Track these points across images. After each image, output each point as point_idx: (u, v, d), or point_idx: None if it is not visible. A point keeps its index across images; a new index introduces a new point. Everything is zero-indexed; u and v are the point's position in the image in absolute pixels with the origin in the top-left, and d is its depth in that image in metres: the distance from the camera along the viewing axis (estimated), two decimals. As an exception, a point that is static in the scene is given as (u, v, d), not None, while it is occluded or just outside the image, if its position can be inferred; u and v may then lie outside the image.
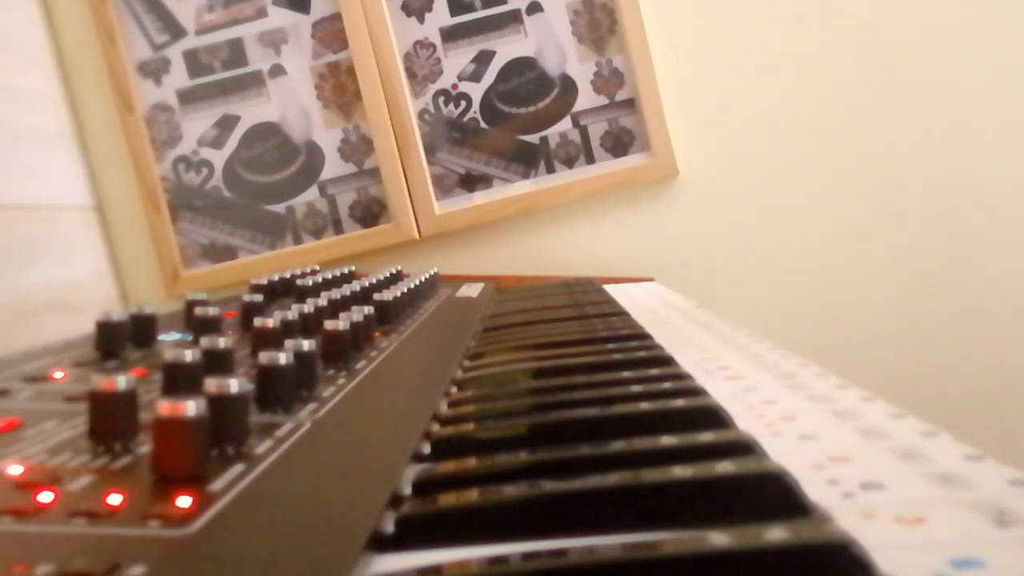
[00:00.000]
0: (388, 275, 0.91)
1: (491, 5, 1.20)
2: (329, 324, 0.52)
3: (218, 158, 1.23)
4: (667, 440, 0.33)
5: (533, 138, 1.21)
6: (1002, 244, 1.17)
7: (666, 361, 0.49)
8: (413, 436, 0.36)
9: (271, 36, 1.22)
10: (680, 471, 0.29)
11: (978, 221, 1.17)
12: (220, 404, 0.32)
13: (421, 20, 1.21)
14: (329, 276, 0.91)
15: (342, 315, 0.55)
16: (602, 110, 1.20)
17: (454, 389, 0.49)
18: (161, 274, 1.23)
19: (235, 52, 1.23)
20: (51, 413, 0.39)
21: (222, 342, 0.44)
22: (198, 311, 0.60)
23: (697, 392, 0.41)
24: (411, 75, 1.21)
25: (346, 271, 0.98)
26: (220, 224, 1.24)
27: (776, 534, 0.24)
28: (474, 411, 0.43)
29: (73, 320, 1.02)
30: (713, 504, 0.28)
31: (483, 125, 1.21)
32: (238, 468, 0.31)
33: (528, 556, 0.25)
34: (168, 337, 0.60)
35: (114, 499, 0.27)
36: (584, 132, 1.20)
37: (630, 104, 1.19)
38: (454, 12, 1.21)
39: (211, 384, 0.33)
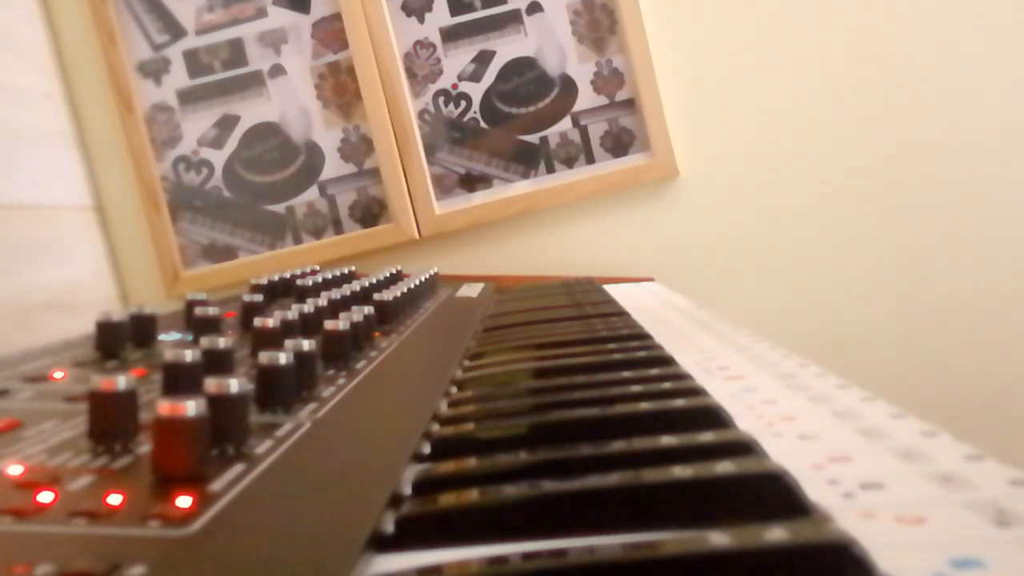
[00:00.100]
0: (388, 275, 0.91)
1: (491, 5, 1.20)
2: (329, 324, 0.52)
3: (218, 158, 1.23)
4: (667, 440, 0.33)
5: (533, 138, 1.21)
6: (1002, 244, 1.17)
7: (666, 361, 0.49)
8: (413, 436, 0.36)
9: (271, 36, 1.22)
10: (680, 471, 0.29)
11: (978, 221, 1.17)
12: (220, 404, 0.32)
13: (421, 20, 1.21)
14: (329, 276, 0.91)
15: (342, 315, 0.55)
16: (602, 110, 1.20)
17: (454, 389, 0.49)
18: (161, 274, 1.23)
19: (235, 52, 1.23)
20: (51, 413, 0.39)
21: (222, 342, 0.44)
22: (198, 311, 0.60)
23: (697, 392, 0.41)
24: (411, 75, 1.21)
25: (346, 271, 0.98)
26: (220, 224, 1.24)
27: (776, 534, 0.24)
28: (474, 411, 0.43)
29: (73, 320, 1.02)
30: (713, 504, 0.28)
31: (483, 125, 1.21)
32: (238, 468, 0.31)
33: (528, 556, 0.25)
34: (168, 337, 0.60)
35: (114, 499, 0.27)
36: (584, 132, 1.20)
37: (630, 104, 1.19)
38: (454, 12, 1.21)
39: (211, 384, 0.33)
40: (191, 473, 0.29)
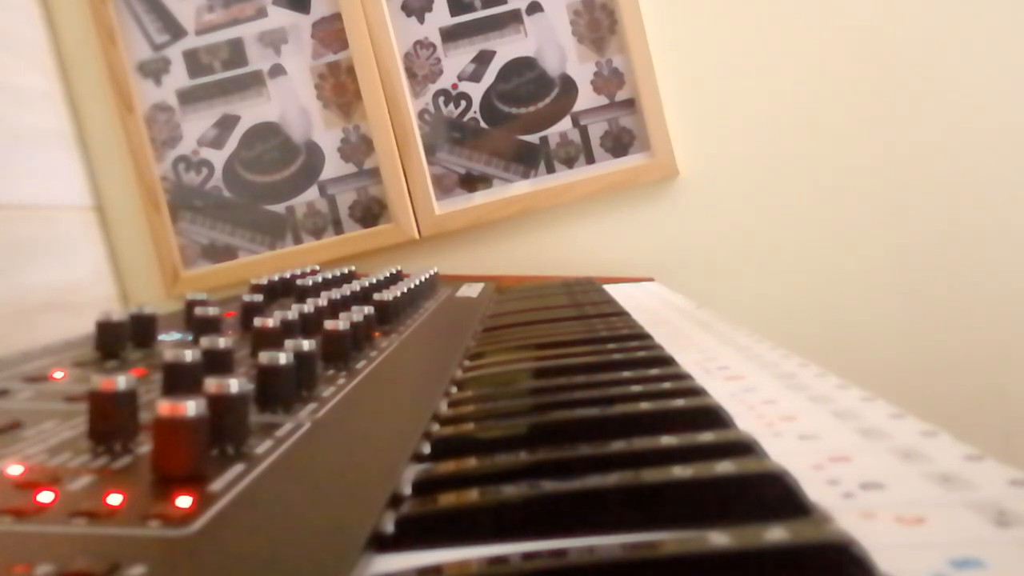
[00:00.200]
0: (388, 275, 0.91)
1: (491, 5, 1.20)
2: (329, 324, 0.52)
3: (218, 158, 1.23)
4: (667, 440, 0.33)
5: (533, 138, 1.21)
6: (1002, 244, 1.17)
7: (666, 361, 0.49)
8: (413, 436, 0.36)
9: (271, 36, 1.22)
10: (680, 471, 0.29)
11: (978, 221, 1.17)
12: (220, 404, 0.32)
13: (421, 20, 1.21)
14: (329, 276, 0.91)
15: (342, 315, 0.55)
16: (602, 110, 1.20)
17: (454, 389, 0.49)
18: (161, 274, 1.23)
19: (235, 52, 1.23)
20: (51, 413, 0.39)
21: (222, 342, 0.44)
22: (198, 311, 0.60)
23: (697, 392, 0.41)
24: (411, 75, 1.21)
25: (346, 271, 0.98)
26: (220, 224, 1.24)
27: (776, 534, 0.24)
28: (474, 411, 0.43)
29: (73, 320, 1.02)
30: (713, 504, 0.28)
31: (483, 125, 1.21)
32: (238, 468, 0.31)
33: (528, 556, 0.25)
34: (168, 337, 0.60)
35: (114, 499, 0.27)
36: (584, 132, 1.20)
37: (630, 104, 1.19)
38: (454, 12, 1.21)
39: (211, 384, 0.33)
40: (191, 473, 0.29)
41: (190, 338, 0.59)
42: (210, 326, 0.59)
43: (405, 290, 0.76)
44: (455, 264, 1.21)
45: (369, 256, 1.21)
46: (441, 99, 1.21)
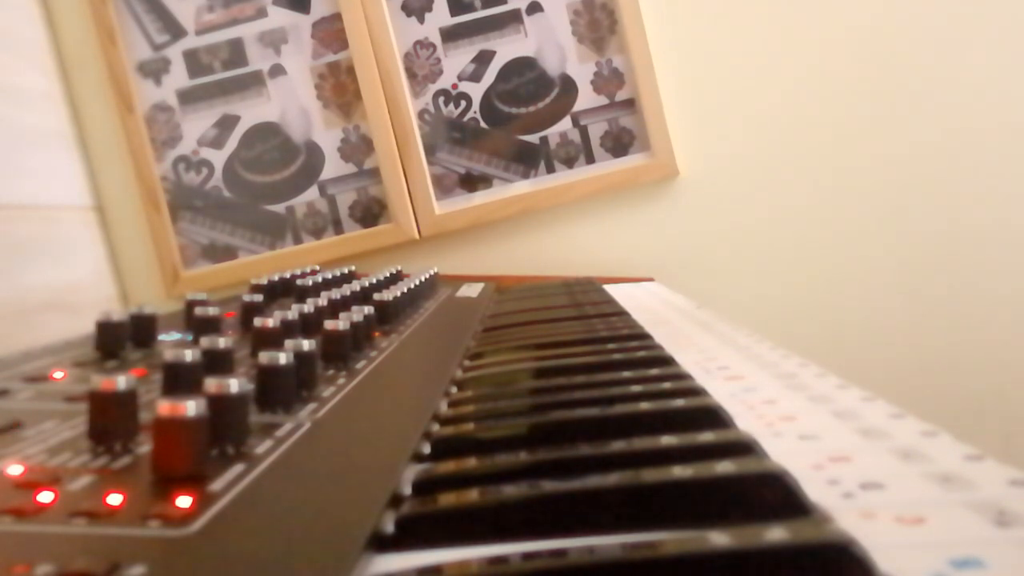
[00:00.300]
0: (388, 275, 0.91)
1: (491, 5, 1.20)
2: (329, 324, 0.52)
3: (218, 158, 1.23)
4: (667, 440, 0.33)
5: (533, 138, 1.21)
6: (1002, 244, 1.17)
7: (666, 361, 0.49)
8: (413, 436, 0.36)
9: (271, 36, 1.22)
10: (680, 471, 0.29)
11: (978, 221, 1.17)
12: (220, 404, 0.32)
13: (421, 20, 1.21)
14: (329, 276, 0.91)
15: (342, 315, 0.55)
16: (602, 110, 1.20)
17: (454, 389, 0.49)
18: (161, 274, 1.23)
19: (235, 52, 1.23)
20: (51, 413, 0.39)
21: (222, 342, 0.44)
22: (198, 311, 0.60)
23: (697, 392, 0.40)
24: (411, 75, 1.21)
25: (346, 271, 0.98)
26: (220, 224, 1.24)
27: (776, 534, 0.24)
28: (474, 411, 0.43)
29: (73, 320, 1.02)
30: (713, 504, 0.28)
31: (483, 125, 1.21)
32: (238, 468, 0.31)
33: (528, 556, 0.25)
34: (168, 337, 0.60)
35: (114, 499, 0.27)
36: (584, 132, 1.20)
37: (630, 104, 1.19)
38: (454, 12, 1.21)
39: (211, 384, 0.33)
40: (191, 473, 0.29)
41: (190, 338, 0.59)
42: (210, 326, 0.59)
43: (405, 290, 0.76)
44: (455, 264, 1.21)
45: (369, 256, 1.21)
46: (441, 99, 1.21)
